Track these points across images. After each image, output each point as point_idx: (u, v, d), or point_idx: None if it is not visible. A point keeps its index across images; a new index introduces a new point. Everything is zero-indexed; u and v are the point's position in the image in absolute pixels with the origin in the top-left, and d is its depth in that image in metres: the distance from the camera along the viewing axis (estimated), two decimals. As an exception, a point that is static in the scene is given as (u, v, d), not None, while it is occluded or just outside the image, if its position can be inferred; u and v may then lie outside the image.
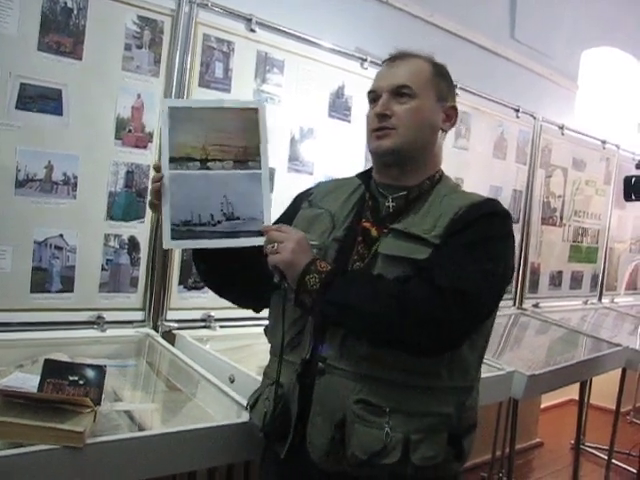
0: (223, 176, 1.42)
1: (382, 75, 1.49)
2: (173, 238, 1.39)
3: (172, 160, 1.39)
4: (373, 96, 1.47)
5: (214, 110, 1.44)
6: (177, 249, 1.36)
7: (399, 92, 1.42)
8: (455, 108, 1.50)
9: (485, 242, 1.35)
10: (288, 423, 1.40)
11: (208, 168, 1.41)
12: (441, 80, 1.48)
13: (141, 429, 1.51)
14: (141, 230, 2.20)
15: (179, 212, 1.39)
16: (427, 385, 1.34)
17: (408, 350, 1.30)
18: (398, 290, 1.29)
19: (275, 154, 2.50)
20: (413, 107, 1.42)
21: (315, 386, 1.37)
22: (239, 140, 1.43)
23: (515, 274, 3.83)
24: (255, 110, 1.44)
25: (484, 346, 1.45)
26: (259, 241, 1.39)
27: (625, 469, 3.96)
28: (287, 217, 1.55)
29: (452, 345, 1.32)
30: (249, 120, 1.44)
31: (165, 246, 1.40)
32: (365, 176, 1.53)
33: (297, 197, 1.62)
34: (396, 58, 1.49)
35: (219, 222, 1.41)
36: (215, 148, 1.41)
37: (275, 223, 1.47)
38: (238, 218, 1.41)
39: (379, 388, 1.33)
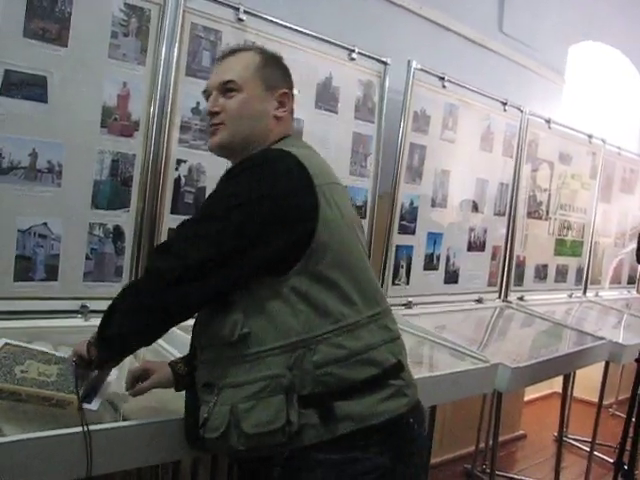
0: None
1: (212, 73, 1.55)
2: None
3: None
4: (206, 95, 1.53)
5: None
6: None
7: (226, 88, 1.47)
8: (286, 93, 1.52)
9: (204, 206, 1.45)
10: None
11: None
12: (271, 69, 1.52)
13: (125, 419, 1.50)
14: (126, 219, 2.19)
15: None
16: (242, 354, 1.33)
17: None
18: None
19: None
20: (239, 99, 1.47)
21: None
22: None
23: (500, 267, 3.85)
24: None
25: (303, 297, 1.33)
26: None
27: (607, 461, 4.00)
28: None
29: (172, 317, 1.36)
30: None
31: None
32: None
33: None
34: (225, 55, 1.53)
35: None
36: None
37: None
38: None
39: (212, 368, 1.39)
